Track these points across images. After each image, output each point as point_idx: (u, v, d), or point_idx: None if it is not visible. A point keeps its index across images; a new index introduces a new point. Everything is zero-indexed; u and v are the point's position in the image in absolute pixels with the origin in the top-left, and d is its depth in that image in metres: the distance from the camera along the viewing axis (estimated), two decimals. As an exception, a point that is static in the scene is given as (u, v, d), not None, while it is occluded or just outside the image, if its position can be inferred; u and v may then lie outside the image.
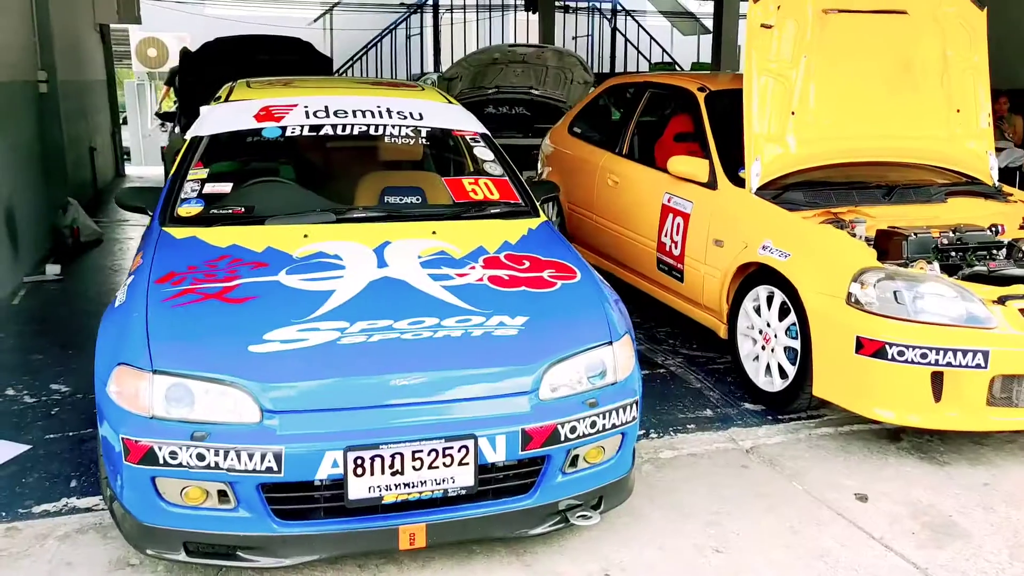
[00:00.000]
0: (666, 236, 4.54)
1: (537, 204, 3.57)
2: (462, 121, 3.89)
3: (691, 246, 4.32)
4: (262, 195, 3.39)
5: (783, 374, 3.66)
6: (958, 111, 4.34)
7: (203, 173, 3.31)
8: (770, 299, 3.73)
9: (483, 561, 2.58)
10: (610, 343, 2.64)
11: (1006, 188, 4.41)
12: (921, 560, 2.64)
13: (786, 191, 4.01)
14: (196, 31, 8.68)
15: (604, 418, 2.52)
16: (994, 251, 3.68)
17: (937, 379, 3.16)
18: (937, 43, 4.28)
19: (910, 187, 4.17)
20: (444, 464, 2.32)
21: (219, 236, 2.97)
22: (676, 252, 4.45)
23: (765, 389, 3.77)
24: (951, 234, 3.68)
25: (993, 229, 3.77)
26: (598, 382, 2.58)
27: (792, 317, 3.57)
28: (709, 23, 14.52)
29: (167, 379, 2.29)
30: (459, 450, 2.32)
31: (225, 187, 3.29)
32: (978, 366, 3.10)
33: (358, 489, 2.28)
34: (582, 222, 5.59)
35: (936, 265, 3.48)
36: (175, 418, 2.26)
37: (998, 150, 9.44)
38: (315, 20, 13.70)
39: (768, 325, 3.74)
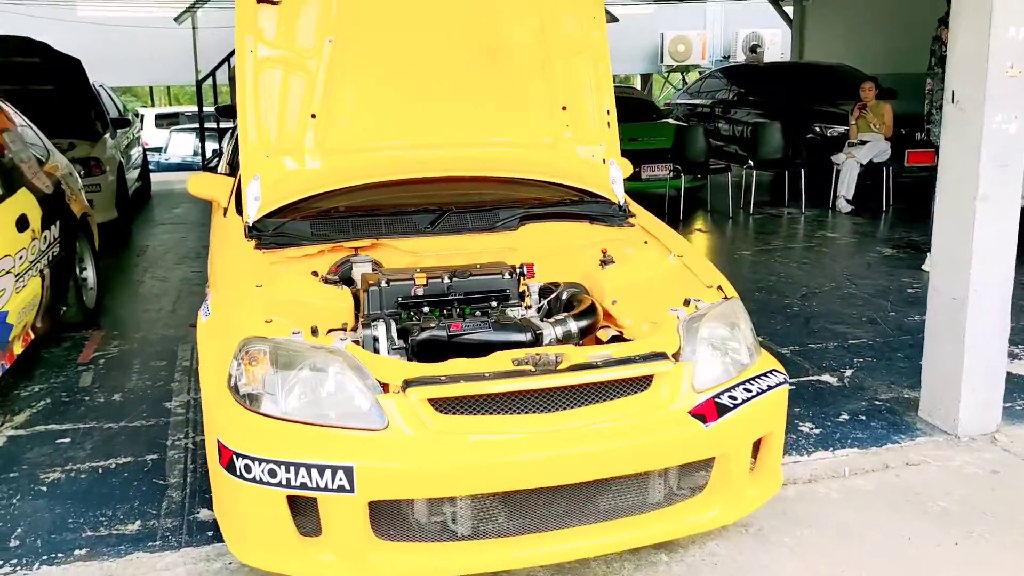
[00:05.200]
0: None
1: None
2: None
3: (212, 292, 3.34)
4: None
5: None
6: (564, 108, 3.32)
7: None
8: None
9: None
10: None
11: (633, 207, 3.35)
12: None
13: (293, 220, 3.02)
14: (54, 39, 7.94)
15: None
16: (495, 303, 2.66)
17: (307, 507, 2.15)
18: (532, 17, 3.27)
19: (471, 210, 3.12)
20: None
21: None
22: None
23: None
24: (446, 280, 2.67)
25: (517, 271, 2.74)
26: None
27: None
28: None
29: None
30: None
31: None
32: (341, 488, 2.09)
33: None
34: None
35: (383, 328, 2.46)
36: None
37: (862, 142, 8.24)
38: (178, 19, 12.72)
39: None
